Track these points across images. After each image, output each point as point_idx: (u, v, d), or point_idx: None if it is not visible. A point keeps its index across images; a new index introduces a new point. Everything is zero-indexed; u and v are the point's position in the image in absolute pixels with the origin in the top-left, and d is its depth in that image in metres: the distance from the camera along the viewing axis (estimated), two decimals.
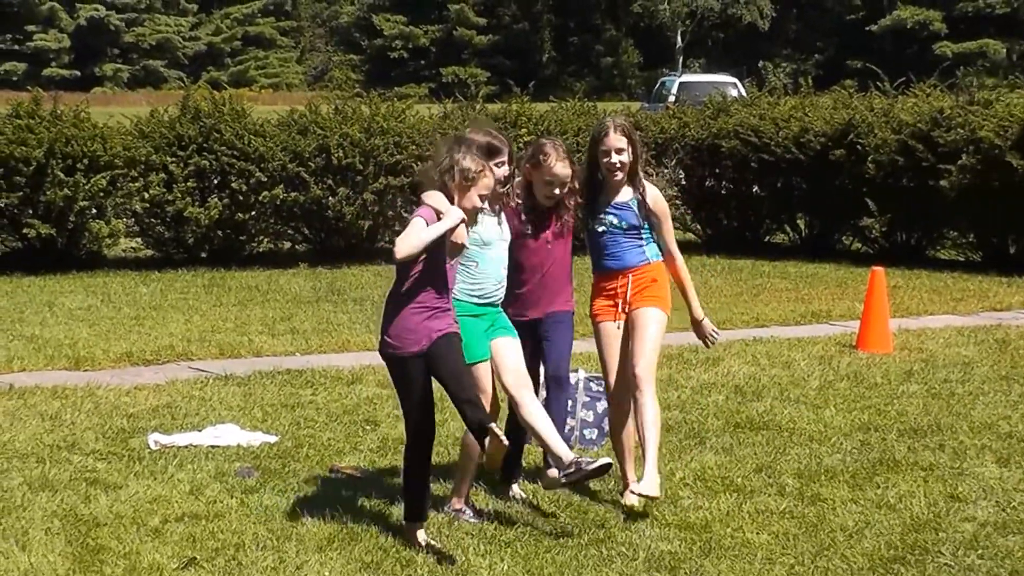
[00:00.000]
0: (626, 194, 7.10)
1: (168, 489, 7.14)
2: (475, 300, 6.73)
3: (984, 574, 6.09)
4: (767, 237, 19.08)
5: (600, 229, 7.09)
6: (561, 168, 7.00)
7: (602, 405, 8.04)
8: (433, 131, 17.24)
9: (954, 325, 12.60)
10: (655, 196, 7.14)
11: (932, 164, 16.64)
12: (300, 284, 14.94)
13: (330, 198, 16.54)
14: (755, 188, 18.77)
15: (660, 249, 7.18)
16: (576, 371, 8.28)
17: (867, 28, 71.92)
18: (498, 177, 6.66)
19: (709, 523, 6.69)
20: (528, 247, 7.07)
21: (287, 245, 17.34)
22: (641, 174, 7.13)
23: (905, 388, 9.79)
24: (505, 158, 6.87)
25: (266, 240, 17.19)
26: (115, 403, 9.10)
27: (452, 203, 6.28)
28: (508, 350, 6.74)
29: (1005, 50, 70.79)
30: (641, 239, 7.10)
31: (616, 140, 7.03)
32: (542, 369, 7.22)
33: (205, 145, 16.27)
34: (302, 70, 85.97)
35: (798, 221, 18.83)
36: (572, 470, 6.44)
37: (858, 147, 17.32)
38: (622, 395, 7.12)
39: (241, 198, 16.28)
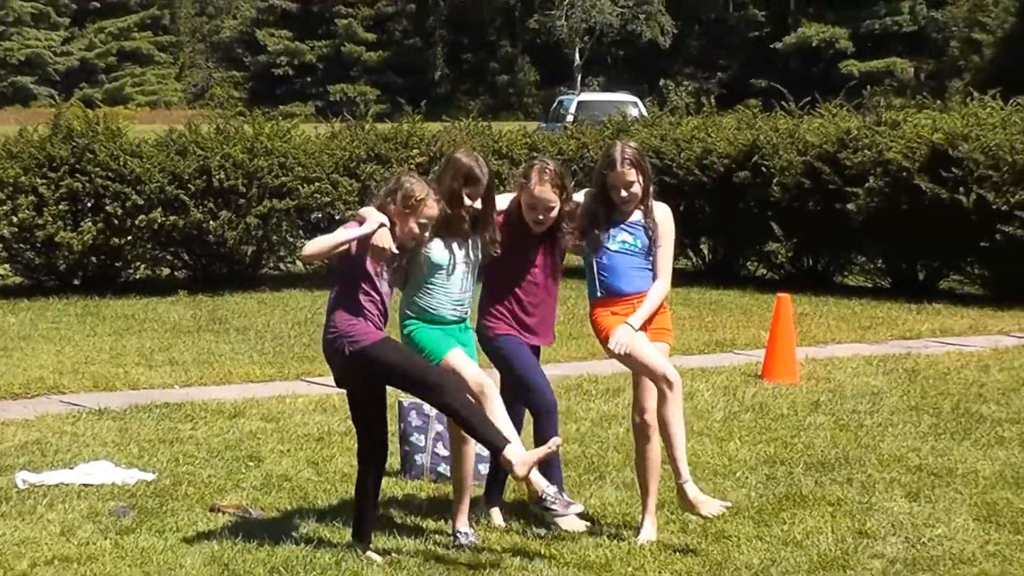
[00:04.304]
0: (637, 215, 6.86)
1: (37, 531, 6.92)
2: (431, 318, 6.70)
3: None
4: None
5: (613, 248, 6.80)
6: (540, 192, 6.79)
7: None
8: (320, 151, 16.77)
9: (862, 354, 12.37)
10: (663, 212, 6.90)
11: (839, 187, 16.33)
12: (179, 312, 14.50)
13: (211, 222, 15.98)
14: None
15: None
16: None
17: (772, 46, 72.21)
18: (468, 206, 6.61)
19: (609, 561, 6.49)
20: (515, 267, 6.94)
21: (166, 271, 16.82)
22: (651, 194, 6.89)
23: (812, 419, 9.59)
24: (482, 189, 6.65)
25: (143, 266, 16.63)
26: None
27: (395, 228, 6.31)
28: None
29: (912, 69, 71.75)
30: (649, 264, 6.85)
31: (625, 174, 6.78)
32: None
33: (78, 166, 15.64)
34: (181, 87, 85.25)
35: (701, 246, 18.51)
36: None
37: (763, 169, 17.01)
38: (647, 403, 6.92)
39: (116, 222, 15.67)
